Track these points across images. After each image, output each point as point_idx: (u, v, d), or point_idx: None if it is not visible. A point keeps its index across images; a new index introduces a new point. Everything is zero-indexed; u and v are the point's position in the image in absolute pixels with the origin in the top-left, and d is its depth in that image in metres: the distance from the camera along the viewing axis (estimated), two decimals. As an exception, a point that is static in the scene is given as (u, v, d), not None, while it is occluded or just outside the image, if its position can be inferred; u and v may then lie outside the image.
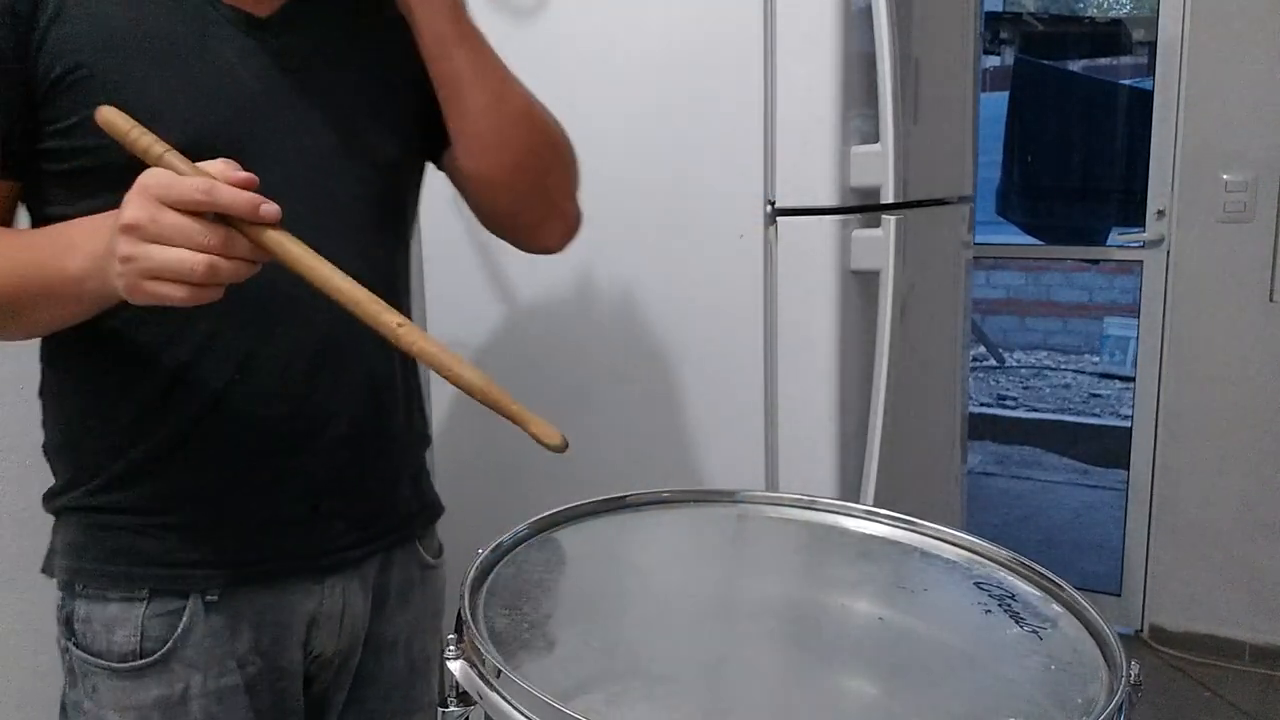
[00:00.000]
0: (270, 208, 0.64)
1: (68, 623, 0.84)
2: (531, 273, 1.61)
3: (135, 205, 0.63)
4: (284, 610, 0.87)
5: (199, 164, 0.65)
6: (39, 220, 0.81)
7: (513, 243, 0.97)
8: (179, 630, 0.83)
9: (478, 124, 0.86)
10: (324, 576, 0.88)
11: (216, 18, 0.81)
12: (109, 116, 0.67)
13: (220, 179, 0.64)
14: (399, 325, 0.65)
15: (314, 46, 0.85)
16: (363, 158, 0.87)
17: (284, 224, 0.66)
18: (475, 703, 0.54)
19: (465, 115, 0.86)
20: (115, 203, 0.66)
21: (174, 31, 0.79)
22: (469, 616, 0.58)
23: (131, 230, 0.63)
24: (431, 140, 0.92)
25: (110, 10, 0.77)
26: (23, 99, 0.76)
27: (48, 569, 0.89)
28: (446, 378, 0.65)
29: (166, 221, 0.63)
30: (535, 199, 0.91)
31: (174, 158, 0.65)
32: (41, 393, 0.88)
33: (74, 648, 0.84)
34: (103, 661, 0.83)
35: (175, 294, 0.64)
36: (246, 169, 0.70)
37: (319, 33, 0.85)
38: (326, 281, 0.65)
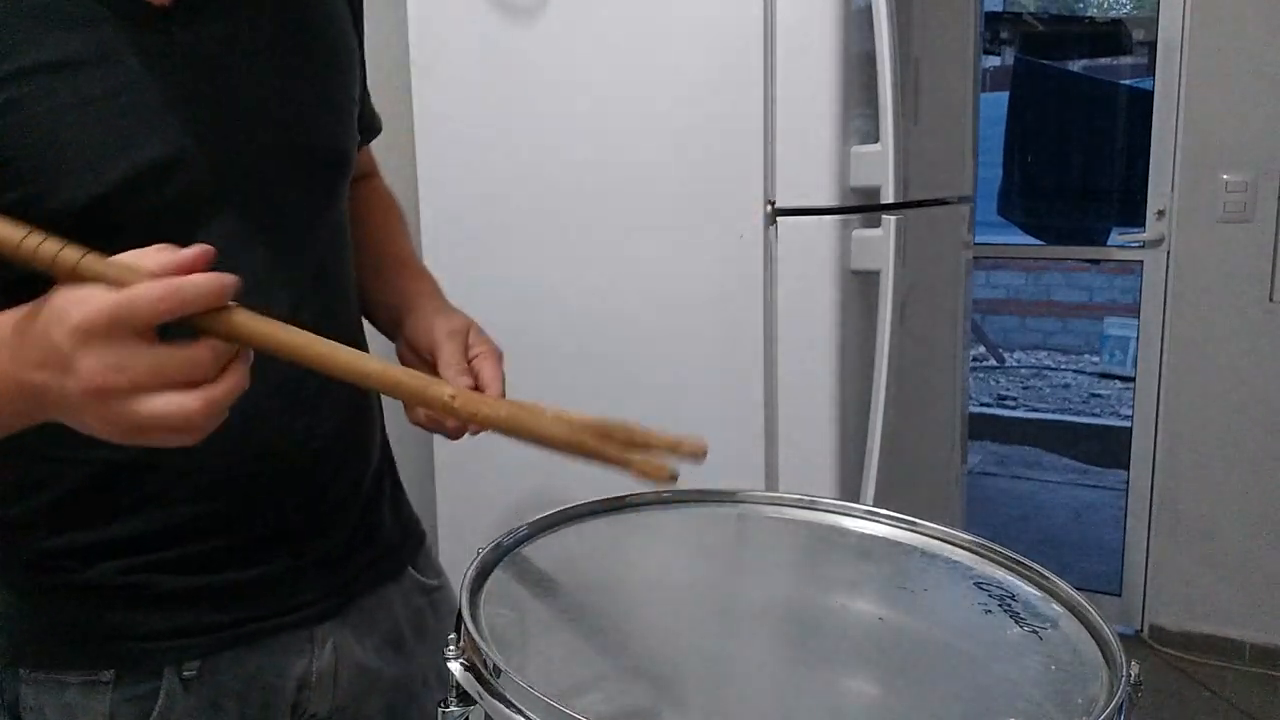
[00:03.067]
0: (228, 278, 0.49)
1: (12, 712, 0.71)
2: (532, 272, 1.61)
3: (92, 358, 0.48)
4: (272, 673, 0.75)
5: (117, 260, 0.49)
6: None
7: None
8: (154, 716, 0.70)
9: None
10: (313, 629, 0.77)
11: (106, 15, 0.62)
12: None
13: (161, 270, 0.48)
14: (451, 397, 0.51)
15: (233, 31, 0.67)
16: (315, 162, 0.74)
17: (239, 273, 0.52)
18: (475, 703, 0.54)
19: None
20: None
21: (67, 43, 0.60)
22: (469, 616, 0.58)
23: (101, 395, 0.48)
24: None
25: (14, 35, 0.59)
26: None
27: None
28: (530, 440, 0.54)
29: (140, 369, 0.48)
30: None
31: (94, 262, 0.48)
32: None
33: None
34: None
35: (185, 442, 0.51)
36: (184, 223, 0.59)
37: (237, 13, 0.68)
38: (351, 368, 0.50)
